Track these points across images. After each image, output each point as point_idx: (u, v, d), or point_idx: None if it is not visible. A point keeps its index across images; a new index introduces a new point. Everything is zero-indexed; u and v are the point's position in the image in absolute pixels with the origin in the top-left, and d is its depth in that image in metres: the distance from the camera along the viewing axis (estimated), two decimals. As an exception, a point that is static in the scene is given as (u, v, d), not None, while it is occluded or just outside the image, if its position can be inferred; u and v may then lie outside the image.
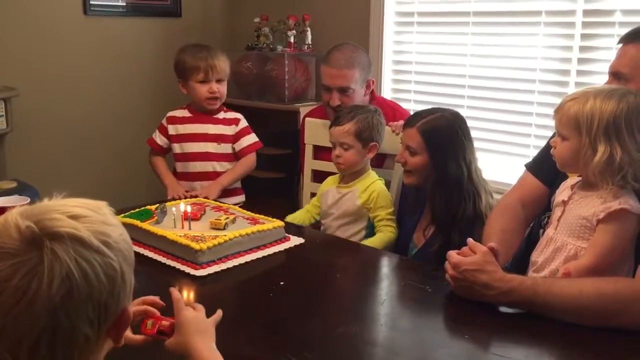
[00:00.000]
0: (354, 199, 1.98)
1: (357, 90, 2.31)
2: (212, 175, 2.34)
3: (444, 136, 1.81)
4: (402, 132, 1.89)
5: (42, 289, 0.68)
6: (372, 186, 1.98)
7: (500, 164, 2.65)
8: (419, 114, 1.90)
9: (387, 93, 3.06)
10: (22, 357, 0.70)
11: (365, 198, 1.96)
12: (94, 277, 0.71)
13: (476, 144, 2.80)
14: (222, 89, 2.36)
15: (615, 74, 1.42)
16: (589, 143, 1.29)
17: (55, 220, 0.72)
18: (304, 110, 2.88)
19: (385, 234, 1.94)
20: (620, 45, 1.41)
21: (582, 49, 2.41)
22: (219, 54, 2.37)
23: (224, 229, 1.68)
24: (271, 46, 3.26)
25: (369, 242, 1.92)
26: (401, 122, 2.05)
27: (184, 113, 2.42)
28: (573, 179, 1.42)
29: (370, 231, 1.99)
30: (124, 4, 3.35)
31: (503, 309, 1.30)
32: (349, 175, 2.03)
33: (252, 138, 2.42)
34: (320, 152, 2.39)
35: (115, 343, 0.80)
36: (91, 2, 3.20)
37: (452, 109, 1.95)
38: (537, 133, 2.55)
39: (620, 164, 1.27)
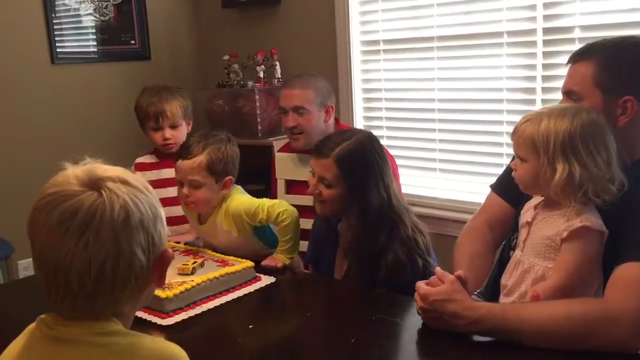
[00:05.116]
0: (226, 232, 1.81)
1: (312, 112, 2.29)
2: (183, 220, 2.29)
3: (362, 164, 1.63)
4: (313, 161, 1.70)
5: (106, 216, 0.81)
6: (231, 210, 1.78)
7: (474, 185, 2.65)
8: (330, 140, 1.70)
9: (359, 121, 3.08)
10: (89, 283, 0.81)
11: (234, 224, 1.79)
12: (143, 208, 0.85)
13: (449, 166, 2.82)
14: (175, 134, 2.26)
15: (567, 93, 1.42)
16: (547, 163, 1.29)
17: (103, 169, 0.88)
18: (277, 144, 2.87)
19: (282, 225, 1.75)
20: (570, 64, 1.41)
21: (545, 66, 2.44)
22: (172, 98, 2.25)
23: (192, 274, 1.64)
24: (242, 82, 3.27)
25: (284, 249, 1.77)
26: None
27: (150, 158, 2.35)
28: (536, 199, 1.41)
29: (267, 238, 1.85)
30: (93, 50, 3.36)
31: (476, 338, 1.27)
32: (204, 215, 1.84)
33: None
34: (293, 186, 2.37)
35: (158, 284, 0.91)
36: (58, 51, 3.20)
37: (365, 129, 1.85)
38: (508, 152, 2.55)
39: (580, 181, 1.26)
